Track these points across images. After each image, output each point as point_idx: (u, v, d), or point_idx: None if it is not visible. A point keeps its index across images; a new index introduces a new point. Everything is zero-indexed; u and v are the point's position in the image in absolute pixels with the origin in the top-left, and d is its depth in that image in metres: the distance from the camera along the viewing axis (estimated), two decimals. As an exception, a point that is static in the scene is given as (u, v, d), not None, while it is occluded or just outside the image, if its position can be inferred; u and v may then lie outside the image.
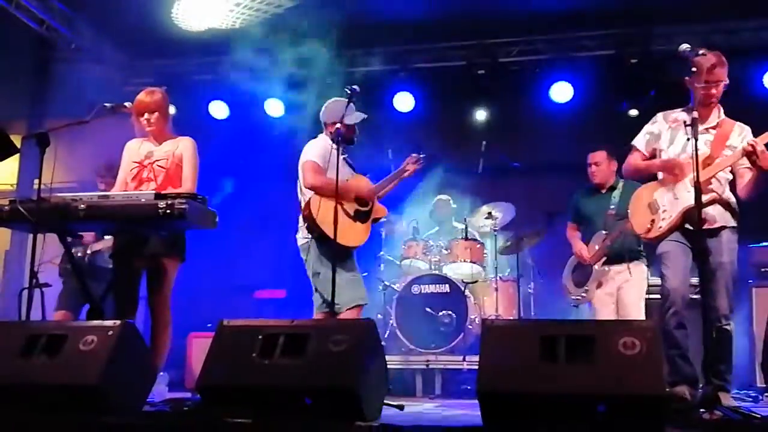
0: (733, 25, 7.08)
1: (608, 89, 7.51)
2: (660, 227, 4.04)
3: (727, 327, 3.88)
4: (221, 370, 3.16)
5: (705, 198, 3.81)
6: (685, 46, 3.74)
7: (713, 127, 4.04)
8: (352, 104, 4.64)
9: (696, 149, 3.61)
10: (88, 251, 5.63)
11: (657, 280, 4.58)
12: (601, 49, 7.51)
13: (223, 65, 8.05)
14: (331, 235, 4.39)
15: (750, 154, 3.76)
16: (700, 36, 6.79)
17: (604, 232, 5.46)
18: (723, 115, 4.08)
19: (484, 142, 6.89)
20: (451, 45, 7.81)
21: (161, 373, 4.31)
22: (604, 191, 5.63)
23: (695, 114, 3.69)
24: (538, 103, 7.73)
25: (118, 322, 3.30)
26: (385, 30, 7.35)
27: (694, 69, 3.80)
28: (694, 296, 5.20)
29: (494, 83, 7.75)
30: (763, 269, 5.51)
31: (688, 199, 3.88)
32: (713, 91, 3.98)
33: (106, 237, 5.36)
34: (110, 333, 3.22)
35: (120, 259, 4.33)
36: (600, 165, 5.61)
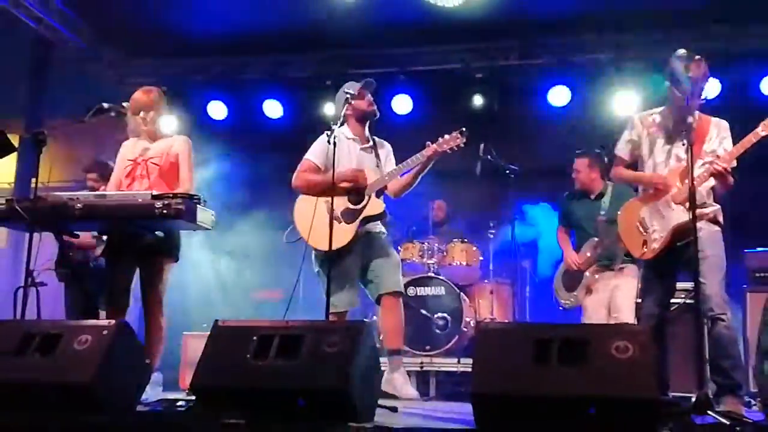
0: (731, 31, 7.10)
1: (606, 93, 7.52)
2: (654, 248, 4.03)
3: (722, 317, 3.79)
4: (215, 370, 3.16)
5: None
6: (681, 52, 3.77)
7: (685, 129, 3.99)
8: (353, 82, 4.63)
9: (691, 163, 3.58)
10: (92, 256, 5.67)
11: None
12: (598, 53, 7.53)
13: (220, 65, 8.06)
14: (305, 237, 4.50)
15: (717, 175, 3.83)
16: (697, 42, 6.81)
17: (596, 239, 5.49)
18: (698, 114, 3.98)
19: (482, 145, 6.88)
20: (450, 48, 7.82)
21: (156, 373, 4.31)
22: (593, 197, 5.66)
23: (690, 119, 3.68)
24: (536, 107, 7.75)
25: (113, 321, 3.31)
26: (384, 32, 7.37)
27: (676, 78, 3.82)
28: (689, 301, 5.24)
29: (493, 86, 7.77)
30: (757, 274, 5.52)
31: (675, 216, 3.92)
32: (692, 102, 3.92)
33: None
34: (105, 332, 3.23)
35: (114, 259, 4.34)
36: (580, 172, 5.69)
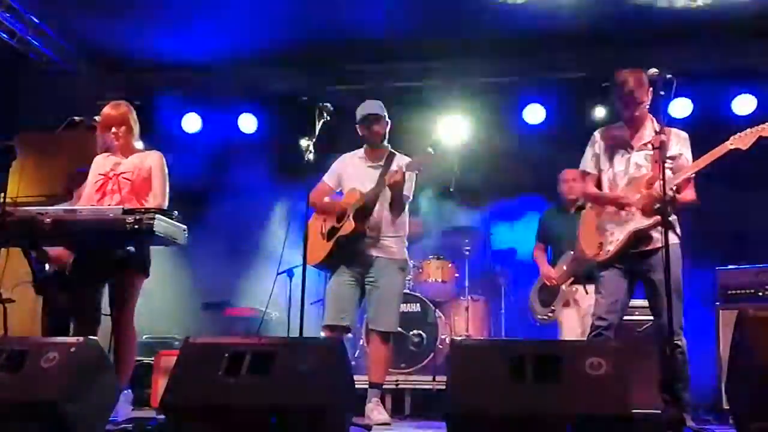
0: (702, 51, 7.20)
1: (580, 111, 7.58)
2: (608, 250, 4.07)
3: (678, 343, 3.85)
4: (186, 388, 3.11)
5: (649, 222, 3.90)
6: (653, 71, 3.84)
7: (650, 142, 4.03)
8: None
9: (663, 171, 3.66)
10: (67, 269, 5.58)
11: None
12: (573, 71, 7.59)
13: (196, 79, 8.02)
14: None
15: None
16: (669, 60, 6.90)
17: (572, 252, 5.50)
18: (657, 127, 3.98)
19: (456, 163, 6.91)
20: (425, 65, 7.84)
21: (125, 391, 4.23)
22: (572, 211, 5.67)
23: (663, 137, 3.75)
24: (511, 124, 7.78)
25: (81, 338, 3.25)
26: (358, 48, 7.38)
27: (616, 90, 4.01)
28: (639, 318, 5.27)
29: (468, 103, 7.79)
30: (729, 292, 5.56)
31: (633, 221, 3.99)
32: (636, 113, 4.06)
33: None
34: (72, 350, 3.17)
35: (82, 274, 4.26)
36: (577, 181, 5.68)
